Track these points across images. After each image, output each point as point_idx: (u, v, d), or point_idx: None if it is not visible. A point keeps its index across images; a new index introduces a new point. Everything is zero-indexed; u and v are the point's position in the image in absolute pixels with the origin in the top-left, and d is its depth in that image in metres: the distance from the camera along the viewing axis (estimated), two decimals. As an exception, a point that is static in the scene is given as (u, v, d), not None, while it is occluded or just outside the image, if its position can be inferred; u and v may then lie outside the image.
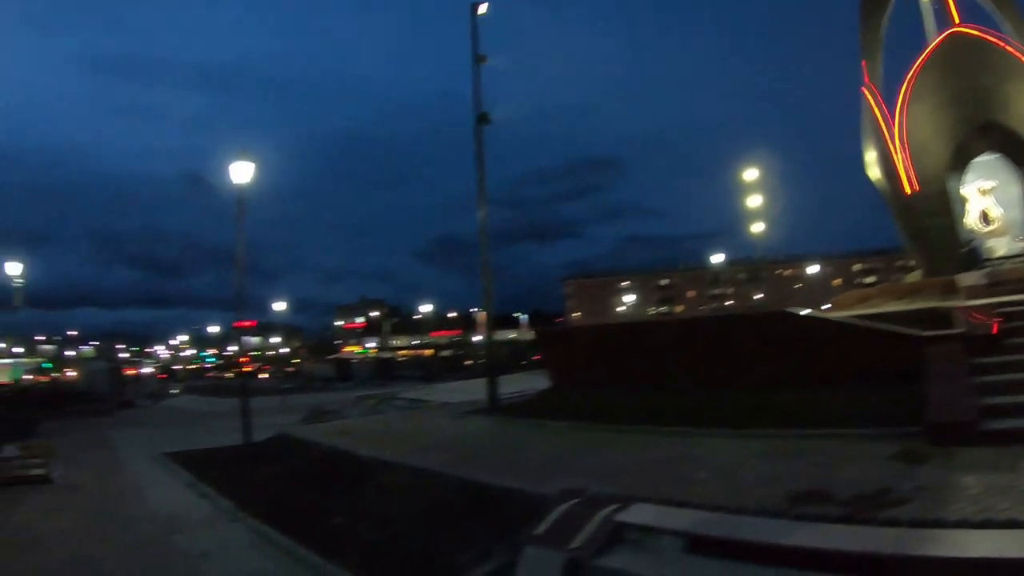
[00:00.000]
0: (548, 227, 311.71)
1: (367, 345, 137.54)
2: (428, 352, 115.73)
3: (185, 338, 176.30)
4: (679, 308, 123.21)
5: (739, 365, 15.66)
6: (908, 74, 25.70)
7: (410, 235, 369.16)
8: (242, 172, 21.18)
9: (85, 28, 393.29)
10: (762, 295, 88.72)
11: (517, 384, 24.20)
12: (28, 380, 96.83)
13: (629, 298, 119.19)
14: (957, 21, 24.86)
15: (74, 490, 15.40)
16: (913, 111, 25.07)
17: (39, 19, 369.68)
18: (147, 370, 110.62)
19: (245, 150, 21.39)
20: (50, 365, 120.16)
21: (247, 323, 26.99)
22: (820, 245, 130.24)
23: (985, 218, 24.99)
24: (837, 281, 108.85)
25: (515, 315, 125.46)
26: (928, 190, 24.53)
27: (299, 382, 75.40)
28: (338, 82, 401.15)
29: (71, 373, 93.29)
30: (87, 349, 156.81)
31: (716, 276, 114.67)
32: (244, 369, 31.48)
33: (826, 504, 7.03)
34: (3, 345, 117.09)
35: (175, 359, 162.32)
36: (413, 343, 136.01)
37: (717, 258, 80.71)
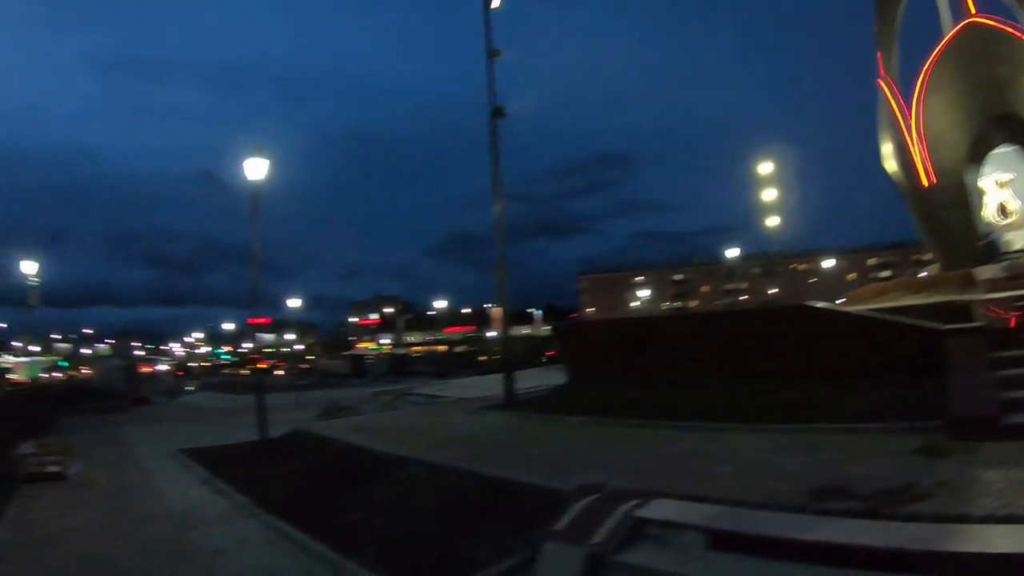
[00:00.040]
0: (561, 223, 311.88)
1: (381, 341, 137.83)
2: (442, 348, 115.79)
3: (200, 335, 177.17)
4: (693, 303, 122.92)
5: (756, 359, 15.56)
6: (924, 65, 25.49)
7: (424, 232, 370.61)
8: (256, 169, 21.21)
9: (98, 29, 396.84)
10: (776, 290, 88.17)
11: (532, 380, 24.16)
12: (44, 378, 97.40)
13: (643, 293, 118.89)
14: (973, 12, 24.58)
15: (90, 487, 15.40)
16: (929, 103, 24.87)
17: (52, 20, 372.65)
18: (162, 367, 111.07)
19: (259, 147, 21.43)
20: (66, 363, 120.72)
21: (262, 320, 27.03)
22: (835, 239, 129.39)
23: (1003, 211, 24.71)
24: (852, 276, 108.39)
25: (529, 311, 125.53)
26: (945, 183, 24.34)
27: (313, 378, 75.54)
28: (351, 80, 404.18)
29: (87, 371, 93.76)
30: (103, 347, 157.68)
31: (730, 271, 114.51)
32: (259, 366, 31.54)
33: (848, 499, 6.97)
34: (20, 344, 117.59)
35: (190, 356, 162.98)
36: (427, 339, 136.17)
37: (732, 253, 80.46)
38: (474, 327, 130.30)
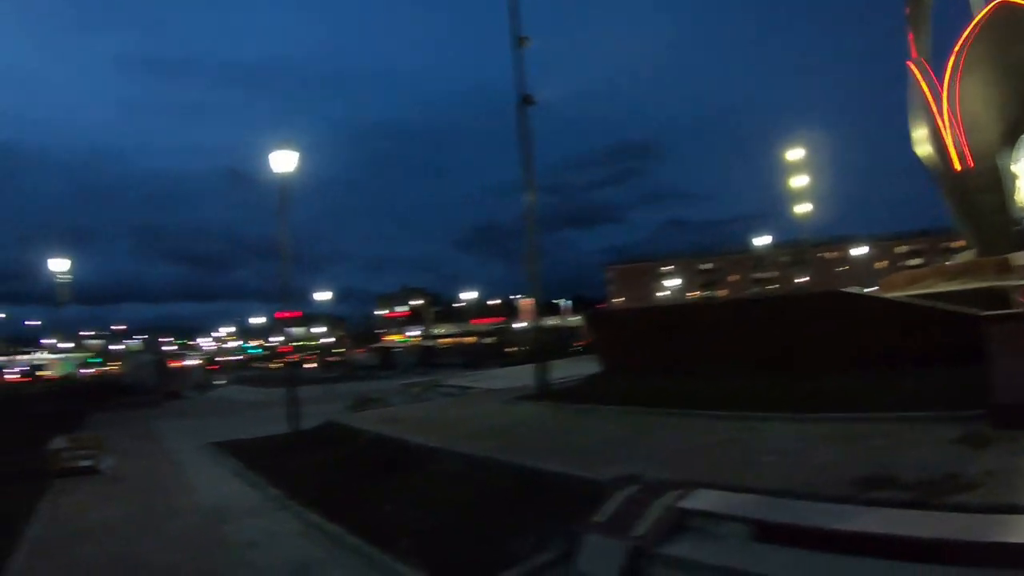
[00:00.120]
0: (588, 213, 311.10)
1: (409, 334, 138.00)
2: (470, 340, 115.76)
3: (230, 330, 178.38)
4: (722, 292, 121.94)
5: (792, 347, 15.43)
6: (955, 47, 25.13)
7: (451, 224, 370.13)
8: (285, 161, 21.22)
9: (124, 31, 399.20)
10: (806, 278, 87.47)
11: (563, 370, 24.01)
12: (78, 374, 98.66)
13: (671, 283, 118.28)
14: (1004, -9, 24.21)
15: (122, 481, 15.50)
16: (962, 85, 24.54)
17: (79, 23, 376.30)
18: (193, 362, 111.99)
19: (287, 141, 21.44)
20: (98, 359, 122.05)
21: (291, 314, 27.11)
22: (863, 227, 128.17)
23: (1038, 195, 24.34)
24: (881, 264, 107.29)
25: (557, 302, 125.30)
26: (979, 167, 24.01)
27: (343, 371, 75.76)
28: (378, 75, 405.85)
29: (116, 367, 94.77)
30: (134, 343, 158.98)
31: (759, 259, 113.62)
32: (291, 358, 31.62)
33: (892, 489, 6.85)
34: (53, 340, 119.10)
35: (220, 351, 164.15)
36: (455, 331, 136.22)
37: (762, 241, 79.74)
38: (502, 318, 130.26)
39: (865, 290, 23.42)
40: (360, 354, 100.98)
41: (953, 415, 10.14)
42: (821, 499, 6.52)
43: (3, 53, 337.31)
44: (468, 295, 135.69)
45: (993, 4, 24.42)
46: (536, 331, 23.97)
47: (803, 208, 39.47)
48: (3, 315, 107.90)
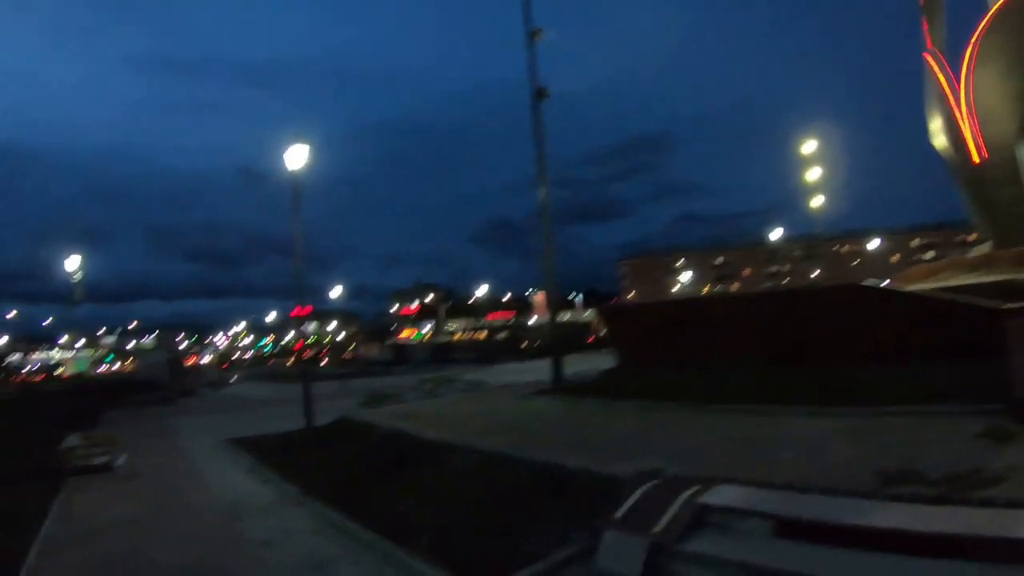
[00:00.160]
0: (600, 207, 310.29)
1: (422, 329, 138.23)
2: (483, 335, 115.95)
3: (243, 327, 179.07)
4: (735, 286, 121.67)
5: (810, 340, 15.36)
6: (972, 37, 24.90)
7: (464, 220, 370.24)
8: (297, 156, 21.21)
9: (139, 31, 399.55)
10: (819, 272, 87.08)
11: (577, 364, 23.98)
12: (92, 372, 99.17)
13: (684, 277, 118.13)
14: (1019, -20, 23.96)
15: (136, 478, 15.48)
16: (979, 76, 24.31)
17: (94, 23, 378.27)
18: (207, 359, 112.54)
19: (299, 136, 21.43)
20: (112, 357, 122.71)
21: (304, 310, 27.11)
22: (877, 220, 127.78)
23: (1056, 188, 24.10)
24: (895, 257, 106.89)
25: (570, 296, 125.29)
26: (997, 158, 23.81)
27: (356, 366, 75.86)
28: (390, 71, 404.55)
29: (131, 364, 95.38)
30: (148, 340, 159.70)
31: (772, 253, 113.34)
32: (306, 355, 31.61)
33: (915, 484, 6.78)
34: (67, 339, 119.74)
35: (234, 348, 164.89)
36: (468, 326, 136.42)
37: (775, 234, 79.50)
38: (514, 313, 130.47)
39: (881, 284, 23.19)
40: (373, 350, 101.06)
41: (974, 409, 10.07)
42: (843, 494, 6.43)
43: (17, 56, 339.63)
44: (481, 291, 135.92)
45: (1008, -7, 24.21)
46: (552, 325, 23.85)
47: (817, 201, 39.31)
48: (18, 314, 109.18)
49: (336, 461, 14.43)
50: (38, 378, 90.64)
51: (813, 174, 38.56)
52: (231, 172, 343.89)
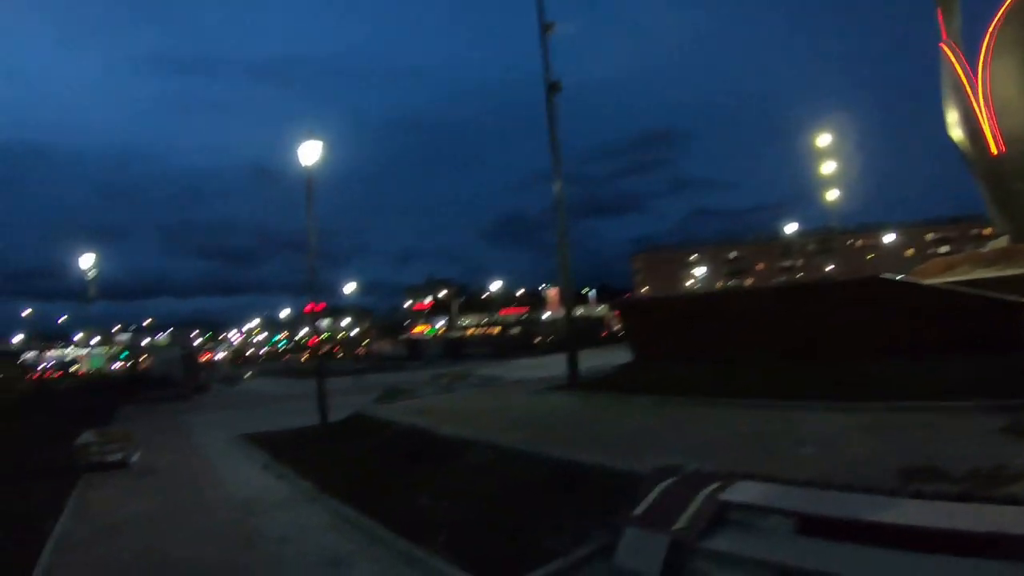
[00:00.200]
0: (613, 202, 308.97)
1: (435, 325, 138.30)
2: (496, 330, 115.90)
3: (257, 323, 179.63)
4: (748, 281, 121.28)
5: (829, 334, 15.26)
6: (989, 28, 24.67)
7: (477, 215, 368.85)
8: (311, 152, 21.20)
9: (152, 30, 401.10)
10: (833, 266, 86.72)
11: (592, 359, 23.87)
12: (107, 369, 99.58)
13: (698, 272, 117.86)
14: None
15: (151, 474, 15.48)
16: (996, 68, 24.08)
17: (104, 26, 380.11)
18: (221, 355, 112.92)
19: (312, 132, 21.41)
20: (126, 354, 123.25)
21: (318, 306, 27.10)
22: (890, 214, 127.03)
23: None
24: (909, 251, 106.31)
25: (583, 291, 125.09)
26: (1015, 151, 23.57)
27: (370, 362, 75.97)
28: (402, 68, 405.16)
29: (145, 361, 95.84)
30: (162, 337, 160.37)
31: (787, 248, 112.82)
32: (320, 350, 31.60)
33: (938, 481, 6.70)
34: (81, 336, 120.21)
35: (248, 344, 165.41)
36: (481, 321, 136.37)
37: (790, 228, 79.12)
38: (528, 308, 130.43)
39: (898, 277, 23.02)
40: (387, 345, 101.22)
41: (993, 404, 9.95)
42: (865, 491, 6.36)
43: (32, 57, 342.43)
44: (494, 286, 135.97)
45: (1023, -15, 23.96)
46: (568, 320, 23.73)
47: (832, 195, 39.12)
48: (33, 312, 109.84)
49: (351, 457, 14.42)
50: (55, 375, 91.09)
51: (828, 168, 38.39)
52: (244, 170, 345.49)
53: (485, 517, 8.67)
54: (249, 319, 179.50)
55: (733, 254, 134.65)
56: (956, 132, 25.74)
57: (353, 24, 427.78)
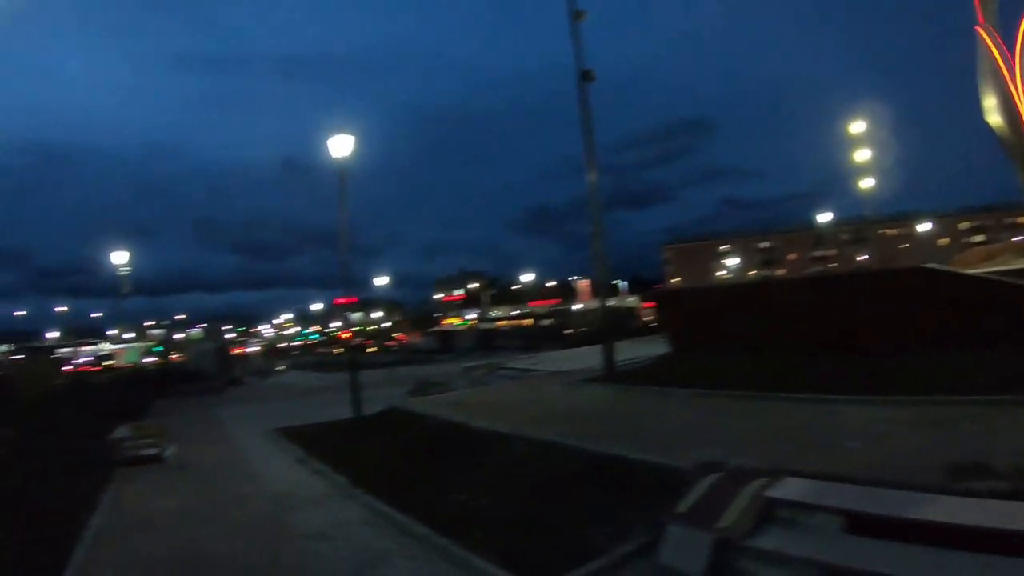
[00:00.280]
0: (642, 192, 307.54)
1: (467, 317, 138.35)
2: (527, 322, 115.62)
3: (289, 316, 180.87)
4: (780, 271, 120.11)
5: (871, 326, 15.05)
6: (1025, 11, 24.22)
7: (507, 206, 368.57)
8: (342, 145, 21.23)
9: (183, 27, 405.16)
10: (866, 256, 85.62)
11: (627, 351, 23.69)
12: (142, 363, 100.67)
13: (729, 262, 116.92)
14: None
15: (185, 469, 15.56)
16: (1031, 52, 23.61)
17: (139, 22, 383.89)
18: (253, 349, 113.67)
19: (343, 126, 21.44)
20: (160, 348, 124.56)
21: (349, 299, 27.18)
22: (923, 202, 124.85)
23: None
24: (944, 240, 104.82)
25: (614, 282, 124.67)
26: (1055, 136, 23.12)
27: (402, 354, 76.05)
28: (430, 61, 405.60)
29: (179, 355, 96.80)
30: (195, 331, 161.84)
31: (819, 238, 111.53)
32: (354, 343, 31.41)
33: (990, 478, 6.54)
34: (115, 331, 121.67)
35: (280, 337, 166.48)
36: (512, 313, 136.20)
37: (824, 217, 78.10)
38: (559, 300, 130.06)
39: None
40: (419, 338, 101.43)
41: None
42: (914, 488, 6.21)
43: (65, 57, 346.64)
44: (525, 277, 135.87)
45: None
46: (604, 311, 23.54)
47: (867, 183, 38.64)
48: (69, 308, 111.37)
49: (385, 451, 14.41)
50: (91, 369, 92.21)
51: (862, 155, 37.93)
52: (274, 165, 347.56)
53: (522, 513, 8.58)
54: (280, 313, 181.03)
55: (765, 244, 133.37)
56: (994, 117, 25.24)
57: (380, 18, 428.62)
